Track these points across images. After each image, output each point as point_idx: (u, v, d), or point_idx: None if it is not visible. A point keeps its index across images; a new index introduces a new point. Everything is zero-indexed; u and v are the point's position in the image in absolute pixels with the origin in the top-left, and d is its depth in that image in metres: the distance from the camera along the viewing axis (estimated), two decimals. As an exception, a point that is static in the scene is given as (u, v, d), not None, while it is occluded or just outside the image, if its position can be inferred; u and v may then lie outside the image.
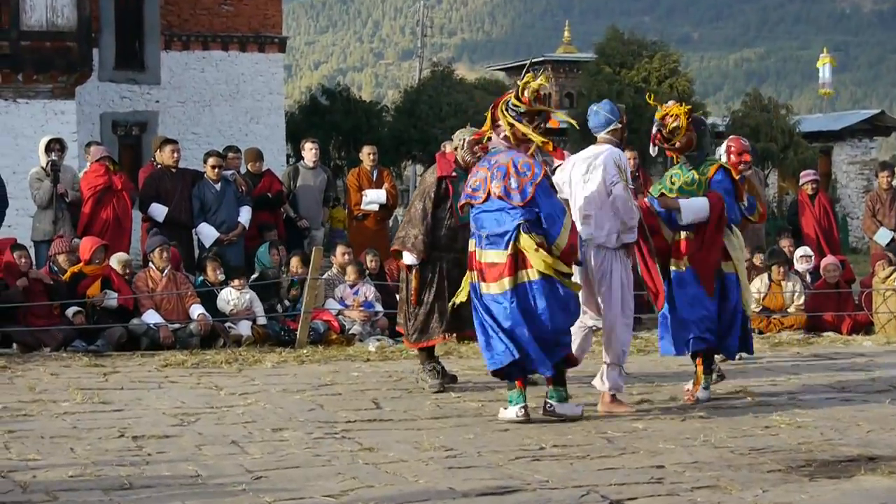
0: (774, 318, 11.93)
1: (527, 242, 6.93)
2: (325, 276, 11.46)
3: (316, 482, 5.49)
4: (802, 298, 12.02)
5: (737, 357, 8.99)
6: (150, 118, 21.03)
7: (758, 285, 11.92)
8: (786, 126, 27.96)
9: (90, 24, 17.19)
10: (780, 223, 19.49)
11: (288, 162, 21.22)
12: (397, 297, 9.20)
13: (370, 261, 11.89)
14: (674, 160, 8.09)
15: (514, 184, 6.98)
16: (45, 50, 16.54)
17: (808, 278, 12.54)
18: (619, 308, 7.46)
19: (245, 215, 12.23)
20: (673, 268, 7.86)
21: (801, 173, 14.37)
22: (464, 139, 8.27)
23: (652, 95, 8.95)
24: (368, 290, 11.42)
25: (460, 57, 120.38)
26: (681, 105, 7.94)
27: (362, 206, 13.14)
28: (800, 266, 12.57)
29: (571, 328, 7.22)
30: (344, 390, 8.23)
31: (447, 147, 8.95)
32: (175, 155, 12.22)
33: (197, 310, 10.61)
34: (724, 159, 9.24)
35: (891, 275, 12.17)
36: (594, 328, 7.67)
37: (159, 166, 12.33)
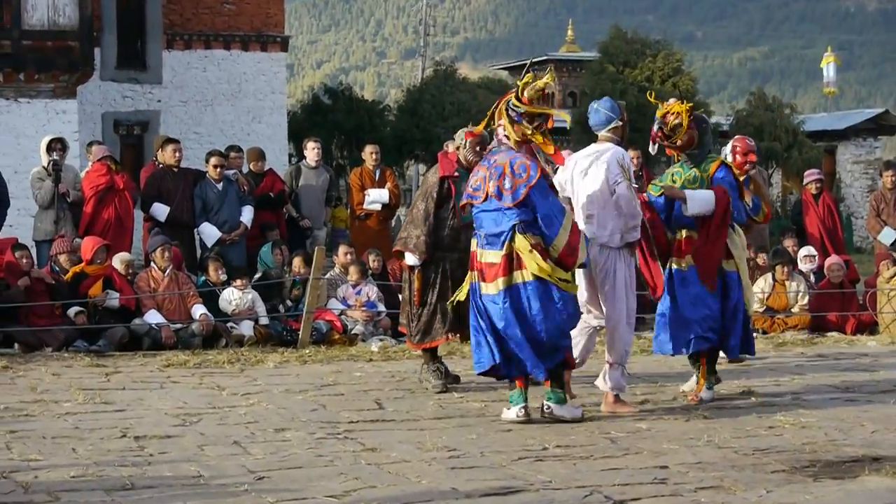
0: (778, 319, 11.90)
1: (521, 243, 6.91)
2: (328, 275, 11.45)
3: (318, 483, 5.48)
4: (806, 298, 11.99)
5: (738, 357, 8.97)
6: (151, 117, 21.03)
7: (762, 285, 11.89)
8: (790, 125, 27.93)
9: (92, 23, 17.20)
10: (783, 223, 19.45)
11: (290, 161, 21.21)
12: (400, 297, 9.18)
13: (373, 260, 11.87)
14: (675, 158, 8.05)
15: (507, 184, 6.96)
16: (46, 49, 16.54)
17: (812, 278, 12.51)
18: (623, 307, 7.44)
19: (247, 215, 12.21)
20: (675, 266, 7.84)
21: (806, 173, 14.33)
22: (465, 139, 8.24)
23: (653, 93, 8.91)
24: (371, 290, 11.41)
25: (463, 56, 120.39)
26: (682, 103, 7.91)
27: (365, 206, 13.13)
28: (804, 266, 12.54)
29: (572, 331, 7.18)
30: (346, 390, 8.21)
31: (449, 146, 8.92)
32: (177, 154, 12.21)
33: (199, 310, 10.59)
34: (729, 159, 9.22)
35: (895, 275, 12.13)
36: (598, 328, 7.65)
37: (161, 166, 12.31)
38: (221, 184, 12.11)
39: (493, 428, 6.86)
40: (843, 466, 5.90)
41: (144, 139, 20.54)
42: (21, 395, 7.86)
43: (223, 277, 11.12)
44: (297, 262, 11.45)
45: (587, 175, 7.44)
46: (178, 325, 10.48)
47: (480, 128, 7.40)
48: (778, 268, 12.00)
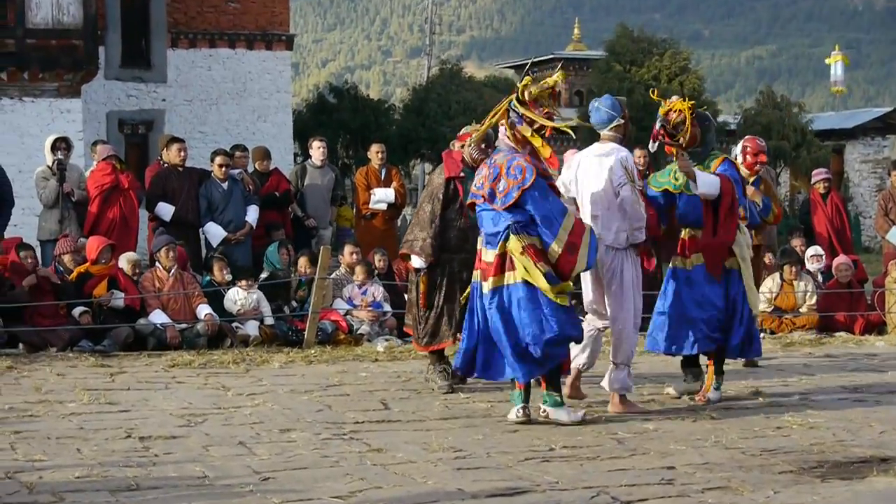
0: (786, 318, 11.86)
1: (514, 244, 6.88)
2: (333, 275, 11.42)
3: (324, 483, 5.46)
4: (814, 298, 11.95)
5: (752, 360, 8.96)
6: (156, 117, 21.04)
7: (769, 285, 11.86)
8: (798, 124, 27.90)
9: (96, 21, 17.22)
10: (791, 222, 19.41)
11: (295, 161, 21.23)
12: (406, 297, 9.15)
13: (378, 260, 11.84)
14: (675, 156, 7.99)
15: (501, 187, 6.93)
16: (50, 48, 16.55)
17: (820, 278, 12.47)
18: (630, 308, 7.41)
19: (252, 214, 12.19)
20: (679, 266, 7.81)
21: (814, 172, 14.30)
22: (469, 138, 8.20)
23: (656, 91, 8.86)
24: (377, 290, 11.38)
25: (469, 55, 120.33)
26: (685, 100, 7.86)
27: (370, 205, 13.10)
28: (812, 266, 12.50)
29: (566, 337, 7.04)
30: (352, 391, 8.19)
31: (455, 145, 8.88)
32: (182, 154, 12.19)
33: (204, 310, 10.57)
34: (739, 159, 9.17)
35: (903, 274, 12.10)
36: (602, 329, 7.61)
37: (166, 165, 12.30)
38: (226, 183, 12.09)
39: (499, 428, 6.83)
40: (851, 467, 5.88)
41: (149, 138, 20.56)
42: (26, 396, 7.84)
43: (228, 277, 11.10)
44: (302, 261, 11.43)
45: (591, 176, 7.41)
46: (183, 326, 10.47)
47: (481, 128, 7.35)
48: (786, 267, 11.96)
